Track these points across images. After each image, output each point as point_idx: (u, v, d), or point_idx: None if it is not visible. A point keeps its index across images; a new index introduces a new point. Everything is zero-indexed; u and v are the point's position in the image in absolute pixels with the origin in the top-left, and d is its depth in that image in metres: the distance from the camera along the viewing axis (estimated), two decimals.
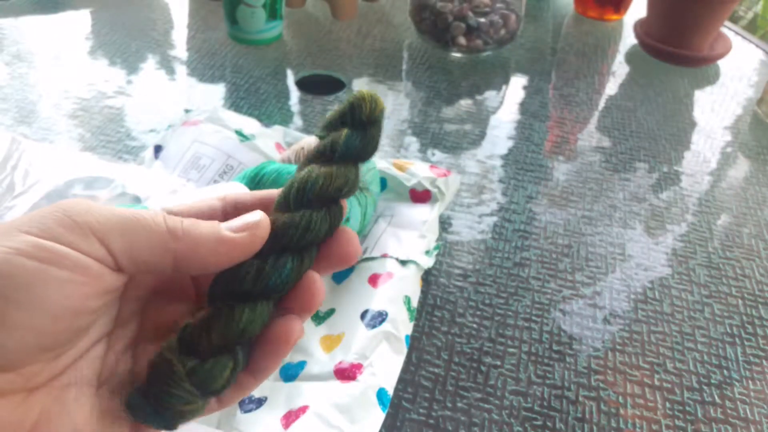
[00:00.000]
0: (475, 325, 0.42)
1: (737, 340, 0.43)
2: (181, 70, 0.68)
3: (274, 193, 0.24)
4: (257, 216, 0.22)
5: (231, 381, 0.20)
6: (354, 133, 0.24)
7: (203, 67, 0.68)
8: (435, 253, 0.44)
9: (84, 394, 0.20)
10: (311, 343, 0.37)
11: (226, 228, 0.21)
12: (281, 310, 0.22)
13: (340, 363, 0.35)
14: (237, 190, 0.40)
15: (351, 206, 0.42)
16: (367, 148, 0.25)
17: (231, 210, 0.23)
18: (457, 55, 0.73)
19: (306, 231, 0.22)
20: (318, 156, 0.24)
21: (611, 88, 0.71)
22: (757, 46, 0.81)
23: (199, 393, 0.19)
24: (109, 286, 0.19)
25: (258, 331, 0.21)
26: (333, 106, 0.63)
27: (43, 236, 0.18)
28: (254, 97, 0.63)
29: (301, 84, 0.67)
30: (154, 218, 0.20)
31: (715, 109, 0.68)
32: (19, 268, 0.17)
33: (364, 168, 0.44)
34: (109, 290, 0.20)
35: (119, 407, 0.20)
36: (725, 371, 0.41)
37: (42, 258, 0.18)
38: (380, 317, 0.37)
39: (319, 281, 0.22)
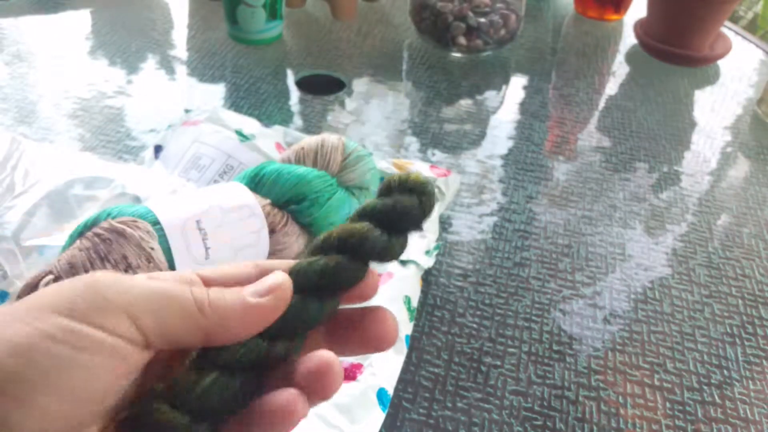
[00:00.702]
0: (475, 325, 0.42)
1: (737, 340, 0.43)
2: (181, 70, 0.68)
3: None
4: (280, 278, 0.21)
5: None
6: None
7: (203, 67, 0.68)
8: (435, 253, 0.44)
9: None
10: None
11: (250, 294, 0.20)
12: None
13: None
14: (236, 190, 0.40)
15: (351, 206, 0.42)
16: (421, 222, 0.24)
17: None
18: (457, 55, 0.73)
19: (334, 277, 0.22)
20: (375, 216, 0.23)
21: (611, 88, 0.71)
22: (757, 46, 0.81)
23: None
24: (138, 364, 0.19)
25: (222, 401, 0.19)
26: (333, 106, 0.63)
27: (74, 317, 0.17)
28: (254, 97, 0.63)
29: (301, 84, 0.67)
30: (184, 293, 0.19)
31: (715, 109, 0.68)
32: (47, 354, 0.17)
33: (364, 168, 0.44)
34: (137, 368, 0.19)
35: None
36: (725, 371, 0.41)
37: (72, 343, 0.17)
38: None
39: (337, 365, 0.20)
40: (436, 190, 0.47)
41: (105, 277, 0.19)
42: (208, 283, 0.21)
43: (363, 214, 0.23)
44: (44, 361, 0.17)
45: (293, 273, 0.22)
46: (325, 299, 0.22)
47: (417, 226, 0.24)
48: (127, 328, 0.18)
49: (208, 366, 0.20)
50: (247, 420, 0.20)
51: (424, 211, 0.23)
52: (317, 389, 0.20)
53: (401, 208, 0.23)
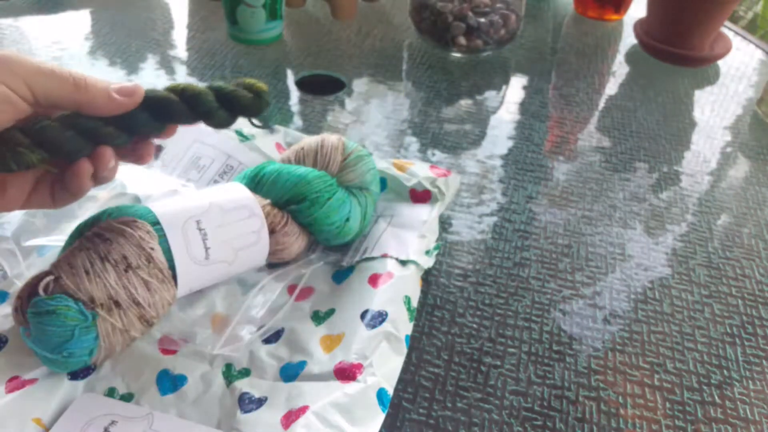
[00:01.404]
0: (475, 325, 0.42)
1: (737, 340, 0.43)
2: (181, 70, 0.68)
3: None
4: (139, 89, 0.32)
5: (34, 166, 0.30)
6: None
7: (203, 67, 0.68)
8: (435, 253, 0.44)
9: None
10: (311, 343, 0.37)
11: (115, 89, 0.31)
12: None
13: (340, 363, 0.35)
14: (236, 190, 0.40)
15: (351, 206, 0.42)
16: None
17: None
18: (457, 55, 0.73)
19: (146, 131, 0.33)
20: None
21: (611, 88, 0.71)
22: (757, 46, 0.81)
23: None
24: (24, 112, 0.30)
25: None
26: (333, 106, 0.63)
27: None
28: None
29: (301, 84, 0.67)
30: (66, 74, 0.30)
31: (715, 109, 0.68)
32: None
33: (364, 168, 0.44)
34: (22, 114, 0.30)
35: None
36: (725, 371, 0.41)
37: None
38: (380, 317, 0.37)
39: (111, 155, 0.33)
40: (436, 191, 0.47)
41: (13, 55, 0.29)
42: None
43: (210, 86, 0.35)
44: None
45: (147, 92, 0.33)
46: (155, 121, 0.33)
47: (243, 113, 0.35)
48: (22, 88, 0.29)
49: (60, 120, 0.31)
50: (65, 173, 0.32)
51: (256, 107, 0.35)
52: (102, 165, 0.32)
53: (239, 93, 0.34)
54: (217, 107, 0.34)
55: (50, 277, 0.32)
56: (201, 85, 0.34)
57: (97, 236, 0.34)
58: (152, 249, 0.34)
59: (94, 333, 0.32)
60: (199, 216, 0.36)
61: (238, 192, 0.39)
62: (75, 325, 0.31)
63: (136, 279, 0.33)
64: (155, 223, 0.35)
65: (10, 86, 0.28)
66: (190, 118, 0.34)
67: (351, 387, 0.34)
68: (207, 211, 0.37)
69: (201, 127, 0.50)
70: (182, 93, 0.33)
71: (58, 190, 0.34)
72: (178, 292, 0.36)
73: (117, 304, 0.32)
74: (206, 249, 0.36)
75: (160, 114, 0.33)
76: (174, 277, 0.35)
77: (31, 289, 0.33)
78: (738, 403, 0.39)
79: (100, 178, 0.33)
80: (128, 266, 0.33)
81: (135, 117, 0.32)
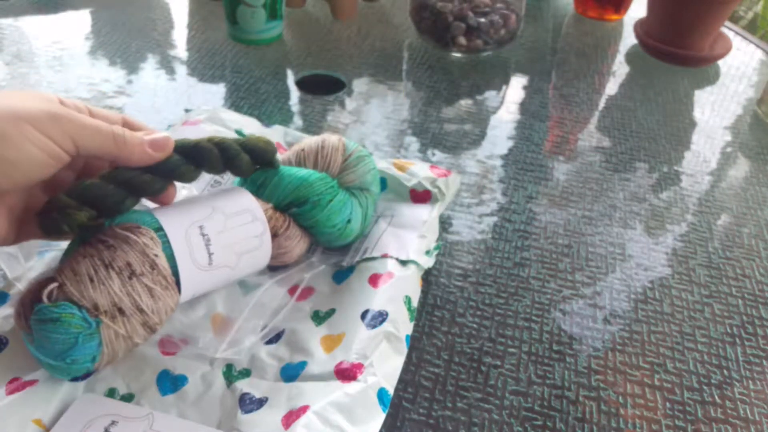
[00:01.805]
0: (475, 325, 0.42)
1: (737, 340, 0.43)
2: (181, 70, 0.68)
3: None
4: (168, 140, 0.35)
5: (84, 225, 0.33)
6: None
7: (203, 67, 0.68)
8: (435, 253, 0.44)
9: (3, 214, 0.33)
10: (312, 343, 0.37)
11: (148, 143, 0.34)
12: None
13: (340, 363, 0.35)
14: (238, 194, 0.40)
15: (352, 207, 0.42)
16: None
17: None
18: (457, 55, 0.73)
19: (182, 175, 0.36)
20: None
21: (611, 88, 0.71)
22: (757, 46, 0.81)
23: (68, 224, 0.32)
24: (64, 162, 0.32)
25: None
26: (333, 105, 0.64)
27: (36, 127, 0.30)
28: (254, 97, 0.63)
29: (301, 84, 0.67)
30: (109, 131, 0.32)
31: (715, 109, 0.68)
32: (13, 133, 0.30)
33: (364, 168, 0.44)
34: (62, 164, 0.32)
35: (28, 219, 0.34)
36: (725, 371, 0.41)
37: (30, 140, 0.30)
38: (381, 317, 0.37)
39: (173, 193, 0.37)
40: (436, 191, 0.47)
41: (63, 112, 0.31)
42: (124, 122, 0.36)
43: (230, 138, 0.39)
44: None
45: (178, 142, 0.36)
46: (187, 165, 0.36)
47: (260, 157, 0.39)
48: (68, 143, 0.31)
49: (101, 177, 0.34)
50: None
51: (270, 153, 0.40)
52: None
53: (254, 141, 0.39)
54: (241, 151, 0.38)
55: (54, 284, 0.32)
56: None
57: (100, 243, 0.34)
58: (156, 256, 0.34)
59: (97, 340, 0.32)
60: (202, 221, 0.36)
61: (240, 196, 0.39)
62: (79, 332, 0.31)
63: (140, 286, 0.33)
64: (158, 229, 0.35)
65: (59, 143, 0.31)
66: (219, 163, 0.37)
67: (351, 387, 0.34)
68: (210, 216, 0.37)
69: (201, 127, 0.50)
70: (210, 141, 0.37)
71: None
72: (181, 298, 0.36)
73: (121, 311, 0.32)
74: (209, 254, 0.36)
75: (192, 160, 0.36)
76: (177, 283, 0.35)
77: (33, 295, 0.32)
78: (738, 403, 0.39)
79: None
80: (132, 273, 0.33)
81: (170, 164, 0.35)
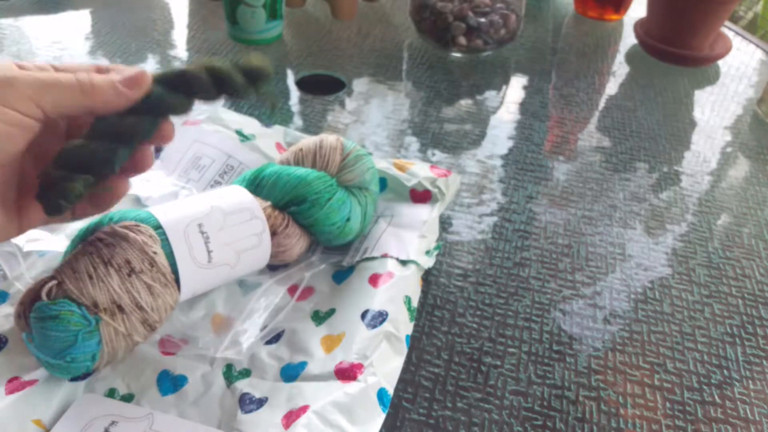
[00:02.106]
0: (475, 325, 0.42)
1: (737, 340, 0.43)
2: None
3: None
4: (143, 74, 0.30)
5: (83, 194, 0.30)
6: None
7: None
8: (435, 253, 0.44)
9: None
10: (312, 343, 0.37)
11: (120, 82, 0.29)
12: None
13: (340, 363, 0.35)
14: (237, 192, 0.40)
15: (351, 206, 0.42)
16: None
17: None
18: (457, 55, 0.73)
19: (171, 108, 0.31)
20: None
21: (611, 88, 0.71)
22: (757, 46, 0.81)
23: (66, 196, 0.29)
24: (35, 129, 0.28)
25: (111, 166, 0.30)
26: (333, 106, 0.64)
27: None
28: (254, 97, 0.63)
29: (301, 84, 0.67)
30: (70, 82, 0.28)
31: (715, 109, 0.68)
32: None
33: (363, 167, 0.44)
34: (34, 132, 0.28)
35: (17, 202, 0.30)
36: (725, 371, 0.41)
37: None
38: (381, 317, 0.37)
39: (150, 153, 0.33)
40: (436, 191, 0.47)
41: (13, 71, 0.27)
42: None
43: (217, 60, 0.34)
44: None
45: (156, 75, 0.31)
46: (174, 96, 0.31)
47: (256, 77, 0.35)
48: (29, 106, 0.27)
49: (84, 136, 0.30)
50: (93, 198, 0.32)
51: (265, 71, 0.36)
52: (136, 168, 0.33)
53: (246, 62, 0.35)
54: (232, 69, 0.33)
55: (53, 282, 0.32)
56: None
57: (99, 240, 0.34)
58: (155, 253, 0.34)
59: (97, 338, 0.32)
60: (201, 219, 0.36)
61: (239, 195, 0.39)
62: (78, 330, 0.31)
63: (140, 283, 0.33)
64: (157, 227, 0.35)
65: (16, 108, 0.27)
66: (211, 86, 0.32)
67: (351, 387, 0.34)
68: (209, 214, 0.37)
69: (201, 127, 0.50)
70: (195, 64, 0.33)
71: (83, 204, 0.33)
72: (181, 296, 0.36)
73: (120, 308, 0.32)
74: (209, 252, 0.36)
75: (178, 89, 0.32)
76: (177, 281, 0.35)
77: (33, 294, 0.33)
78: (738, 403, 0.39)
79: (140, 172, 0.33)
80: (131, 270, 0.33)
81: (153, 98, 0.31)
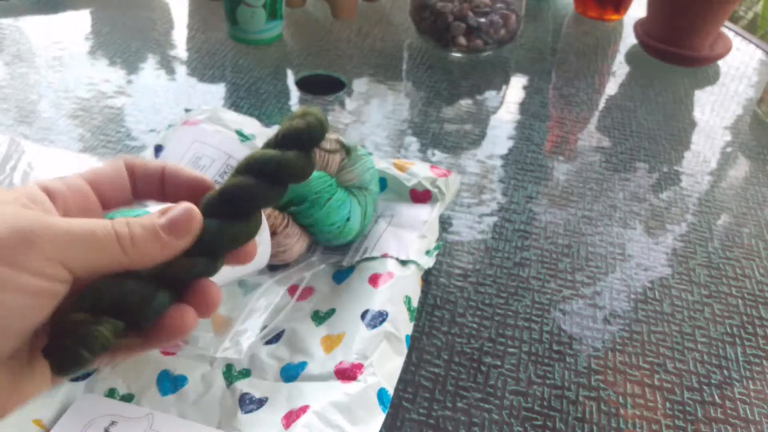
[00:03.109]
0: (475, 325, 0.42)
1: (737, 340, 0.43)
2: (181, 70, 0.68)
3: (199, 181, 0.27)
4: (190, 214, 0.23)
5: (110, 344, 0.22)
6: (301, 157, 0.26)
7: (203, 67, 0.68)
8: (435, 253, 0.44)
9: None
10: (312, 344, 0.37)
11: (163, 227, 0.23)
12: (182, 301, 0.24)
13: (340, 363, 0.35)
14: None
15: (351, 206, 0.42)
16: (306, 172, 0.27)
17: (140, 177, 0.27)
18: (457, 55, 0.73)
19: (230, 240, 0.24)
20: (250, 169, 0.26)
21: (611, 88, 0.71)
22: (757, 46, 0.81)
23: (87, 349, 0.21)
24: (62, 294, 0.21)
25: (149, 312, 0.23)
26: (333, 106, 0.63)
27: (3, 263, 0.19)
28: (254, 97, 0.63)
29: (301, 84, 0.67)
30: (106, 231, 0.22)
31: (715, 109, 0.68)
32: None
33: (362, 167, 0.44)
34: (61, 297, 0.21)
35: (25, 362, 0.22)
36: (725, 371, 0.41)
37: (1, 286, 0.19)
38: (381, 317, 0.37)
39: (215, 288, 0.24)
40: (436, 191, 0.47)
41: (35, 224, 0.20)
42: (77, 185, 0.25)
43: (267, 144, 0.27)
44: None
45: (206, 198, 0.25)
46: (230, 233, 0.24)
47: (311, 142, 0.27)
48: (56, 269, 0.20)
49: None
50: (150, 330, 0.23)
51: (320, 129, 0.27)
52: (202, 306, 0.24)
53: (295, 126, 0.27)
54: (282, 156, 0.26)
55: None
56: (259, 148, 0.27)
57: None
58: None
59: None
60: None
61: None
62: None
63: None
64: None
65: (39, 272, 0.20)
66: (271, 192, 0.26)
67: (351, 387, 0.34)
68: None
69: (201, 127, 0.50)
70: (238, 171, 0.26)
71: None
72: None
73: None
74: None
75: (233, 212, 0.25)
76: None
77: None
78: (738, 403, 0.39)
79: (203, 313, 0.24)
80: None
81: (207, 236, 0.24)
